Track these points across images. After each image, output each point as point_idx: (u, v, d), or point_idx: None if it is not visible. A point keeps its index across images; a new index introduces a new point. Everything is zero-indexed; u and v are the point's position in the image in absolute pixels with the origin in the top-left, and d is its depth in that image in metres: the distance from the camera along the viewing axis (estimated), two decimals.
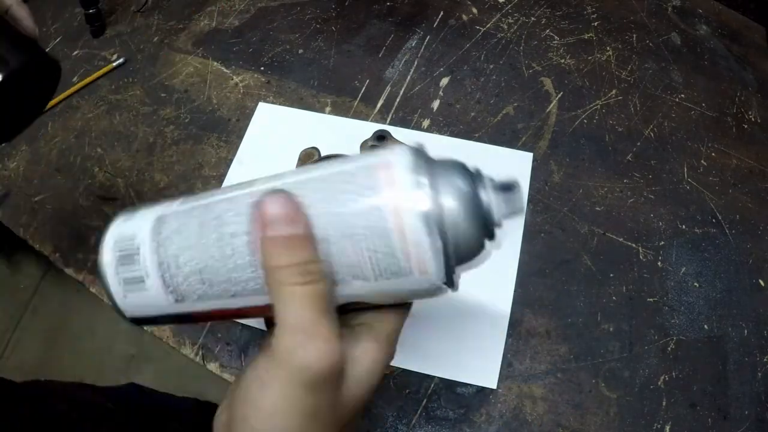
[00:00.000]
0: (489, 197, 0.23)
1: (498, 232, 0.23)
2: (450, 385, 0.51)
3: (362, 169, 0.22)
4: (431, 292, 0.23)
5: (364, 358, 0.24)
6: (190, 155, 0.65)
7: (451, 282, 0.22)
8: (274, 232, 0.21)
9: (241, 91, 0.70)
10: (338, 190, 0.22)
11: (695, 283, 0.56)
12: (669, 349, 0.52)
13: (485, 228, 0.22)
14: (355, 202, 0.21)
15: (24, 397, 0.47)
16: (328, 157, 0.47)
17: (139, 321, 0.27)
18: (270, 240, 0.21)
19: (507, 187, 0.23)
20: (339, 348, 0.21)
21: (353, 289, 0.22)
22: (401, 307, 0.26)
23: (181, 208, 0.27)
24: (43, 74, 0.40)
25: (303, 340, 0.20)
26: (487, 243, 0.23)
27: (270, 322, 0.23)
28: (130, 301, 0.26)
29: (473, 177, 0.23)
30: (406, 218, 0.20)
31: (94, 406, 0.52)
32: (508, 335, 0.53)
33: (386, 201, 0.21)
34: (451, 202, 0.21)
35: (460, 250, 0.22)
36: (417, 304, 0.58)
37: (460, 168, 0.23)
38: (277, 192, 0.22)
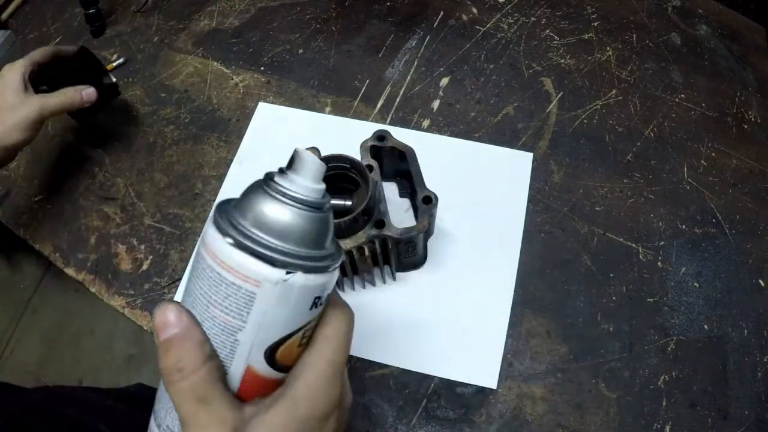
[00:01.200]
0: (273, 188, 0.24)
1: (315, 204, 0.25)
2: (450, 385, 0.51)
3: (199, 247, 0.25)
4: (293, 293, 0.23)
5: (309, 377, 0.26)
6: (190, 155, 0.65)
7: (301, 267, 0.23)
8: (159, 338, 0.24)
9: (241, 91, 0.70)
10: (193, 278, 0.25)
11: (695, 283, 0.55)
12: (669, 349, 0.52)
13: (293, 212, 0.24)
14: (199, 278, 0.24)
15: (35, 405, 0.48)
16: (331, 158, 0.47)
17: None
18: (160, 345, 0.24)
19: (290, 162, 0.25)
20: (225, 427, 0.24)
21: (244, 344, 0.24)
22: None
23: None
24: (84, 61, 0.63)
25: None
26: (316, 215, 0.25)
27: None
28: None
29: (260, 183, 0.25)
30: (219, 256, 0.23)
31: (106, 409, 0.52)
32: (508, 335, 0.53)
33: (208, 258, 0.24)
34: (245, 221, 0.24)
35: (287, 237, 0.23)
36: (416, 306, 0.58)
37: (250, 187, 0.25)
38: (165, 303, 0.24)
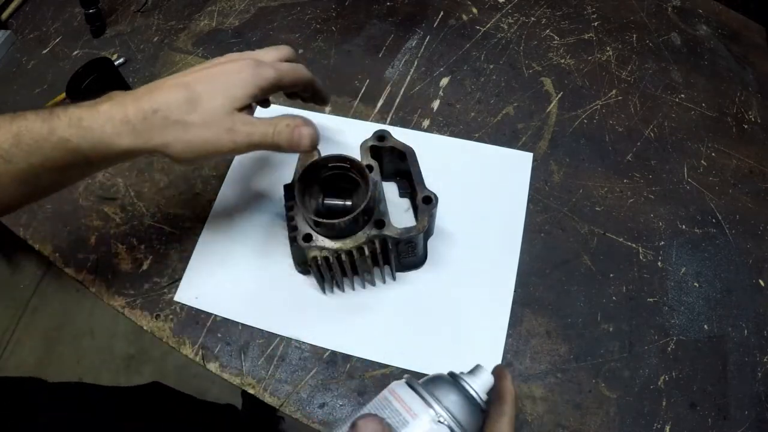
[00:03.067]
0: (465, 385, 0.36)
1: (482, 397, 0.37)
2: None
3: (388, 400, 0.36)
4: None
5: None
6: None
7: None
8: None
9: None
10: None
11: (695, 283, 0.56)
12: (669, 349, 0.52)
13: (472, 401, 0.36)
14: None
15: (58, 398, 0.48)
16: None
17: None
18: None
19: (473, 370, 0.38)
20: None
21: None
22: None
23: None
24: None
25: None
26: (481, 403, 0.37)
27: None
28: None
29: (453, 377, 0.37)
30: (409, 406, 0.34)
31: (121, 406, 0.52)
32: (508, 335, 0.53)
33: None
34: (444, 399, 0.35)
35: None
36: (416, 306, 0.58)
37: (440, 377, 0.37)
38: (368, 415, 0.32)
